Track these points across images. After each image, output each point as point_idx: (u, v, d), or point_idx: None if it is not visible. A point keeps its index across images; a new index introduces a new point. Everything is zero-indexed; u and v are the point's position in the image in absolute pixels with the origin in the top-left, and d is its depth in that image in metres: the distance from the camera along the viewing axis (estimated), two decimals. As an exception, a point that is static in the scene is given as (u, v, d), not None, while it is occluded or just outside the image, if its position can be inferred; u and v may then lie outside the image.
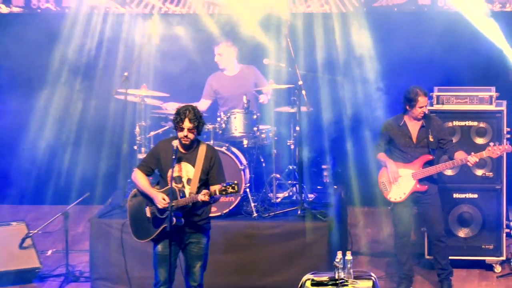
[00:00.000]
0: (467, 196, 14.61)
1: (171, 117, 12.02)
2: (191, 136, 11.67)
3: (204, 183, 11.81)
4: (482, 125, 14.60)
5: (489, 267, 14.54)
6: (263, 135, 14.67)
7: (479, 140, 14.53)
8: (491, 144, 13.63)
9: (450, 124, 14.54)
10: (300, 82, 14.40)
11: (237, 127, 14.52)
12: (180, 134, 11.67)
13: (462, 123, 14.59)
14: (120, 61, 16.62)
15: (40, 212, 16.05)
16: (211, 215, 12.31)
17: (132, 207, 12.10)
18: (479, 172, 14.37)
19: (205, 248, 12.04)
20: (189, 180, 11.78)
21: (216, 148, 13.68)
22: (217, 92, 15.27)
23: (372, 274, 11.80)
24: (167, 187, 11.77)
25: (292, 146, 14.73)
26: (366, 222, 16.26)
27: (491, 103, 14.66)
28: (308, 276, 11.71)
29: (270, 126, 14.81)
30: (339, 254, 11.61)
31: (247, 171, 14.30)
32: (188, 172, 11.81)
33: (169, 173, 11.77)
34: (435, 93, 14.75)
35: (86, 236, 14.59)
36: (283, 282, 13.66)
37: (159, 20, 16.04)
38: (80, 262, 14.67)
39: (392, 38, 16.36)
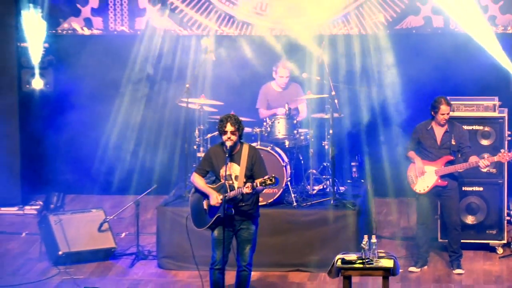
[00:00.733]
0: (474, 189, 14.61)
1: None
2: (233, 138, 11.84)
3: (250, 178, 11.95)
4: (486, 129, 14.63)
5: (493, 249, 14.56)
6: (302, 137, 14.72)
7: (484, 142, 14.57)
8: (502, 150, 13.72)
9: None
10: (333, 93, 14.47)
11: (280, 130, 14.60)
12: (224, 137, 11.87)
13: (470, 127, 14.53)
14: (182, 74, 16.71)
15: (115, 201, 16.12)
16: (260, 204, 12.47)
17: (192, 202, 12.31)
18: (484, 169, 14.40)
19: (254, 233, 12.17)
20: (236, 177, 11.95)
21: (262, 148, 13.97)
22: (268, 101, 15.35)
23: (393, 254, 11.93)
24: (220, 183, 12.01)
25: (326, 146, 14.76)
26: (388, 211, 16.28)
27: (494, 111, 14.68)
28: (340, 255, 11.83)
29: (307, 129, 14.83)
30: (366, 238, 11.75)
31: (288, 167, 14.32)
32: (235, 170, 11.98)
33: (222, 172, 12.00)
34: (448, 102, 14.89)
35: (154, 221, 14.65)
36: (319, 261, 13.72)
37: (215, 40, 16.16)
38: (148, 243, 14.73)
39: (411, 55, 16.43)
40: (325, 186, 14.82)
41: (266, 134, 14.60)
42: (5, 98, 16.87)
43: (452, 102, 14.58)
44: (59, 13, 17.13)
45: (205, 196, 12.12)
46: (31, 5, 16.78)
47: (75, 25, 17.17)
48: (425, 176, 13.76)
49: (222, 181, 11.99)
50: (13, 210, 16.85)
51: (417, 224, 14.11)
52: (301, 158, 14.80)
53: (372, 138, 16.54)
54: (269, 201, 14.13)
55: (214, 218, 12.04)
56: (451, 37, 16.46)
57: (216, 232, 12.12)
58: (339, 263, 11.76)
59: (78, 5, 17.11)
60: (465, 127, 14.39)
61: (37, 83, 16.90)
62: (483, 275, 13.84)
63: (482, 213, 14.66)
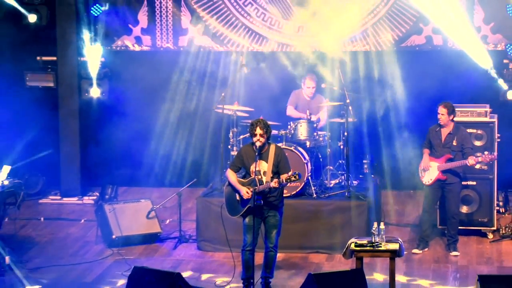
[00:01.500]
0: (468, 183, 14.54)
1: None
2: (262, 139, 11.91)
3: (276, 173, 12.00)
4: (479, 132, 14.60)
5: (484, 235, 14.52)
6: (320, 139, 14.69)
7: (477, 143, 14.51)
8: (486, 152, 13.72)
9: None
10: (348, 100, 14.48)
11: (302, 132, 14.57)
12: (255, 139, 11.95)
13: (465, 130, 14.60)
14: (218, 84, 16.72)
15: (160, 193, 16.13)
16: (284, 195, 12.54)
17: (226, 193, 12.40)
18: (477, 166, 14.35)
19: (279, 220, 12.23)
20: (264, 172, 12.02)
21: (287, 147, 13.99)
22: (297, 105, 15.28)
23: (399, 239, 11.96)
24: (250, 178, 12.06)
25: (342, 146, 14.73)
26: (395, 202, 16.16)
27: (486, 116, 14.66)
28: (353, 239, 11.90)
29: (326, 132, 14.80)
30: (375, 224, 11.80)
31: (309, 164, 14.31)
32: (263, 167, 12.03)
33: (252, 168, 12.03)
34: (446, 109, 14.84)
35: (194, 210, 14.61)
36: (335, 243, 13.71)
37: (247, 56, 16.16)
38: (189, 228, 14.72)
39: (414, 69, 16.37)
40: (340, 181, 14.80)
41: (290, 136, 14.58)
42: (68, 104, 16.94)
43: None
44: (113, 32, 17.16)
45: (237, 189, 12.20)
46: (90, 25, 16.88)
47: (127, 42, 17.21)
48: (430, 170, 13.80)
49: (252, 176, 12.05)
50: (73, 200, 16.90)
51: (422, 211, 14.14)
52: (320, 156, 14.77)
53: (381, 139, 16.47)
54: (293, 193, 14.12)
55: (246, 208, 12.11)
56: (449, 53, 16.38)
57: (247, 219, 12.18)
58: (352, 246, 11.81)
59: (130, 25, 17.14)
60: None
61: (95, 92, 16.93)
62: (476, 257, 13.80)
63: (475, 204, 14.63)
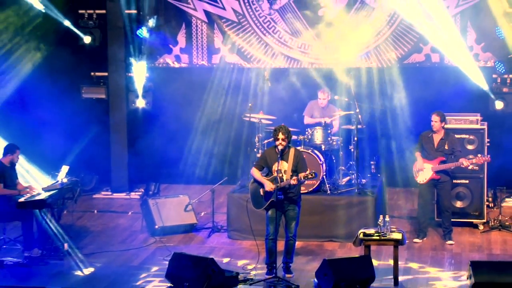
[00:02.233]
0: (461, 182, 14.52)
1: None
2: (284, 143, 11.96)
3: (295, 172, 12.01)
4: (471, 137, 14.56)
5: (475, 226, 14.47)
6: (334, 143, 14.66)
7: (470, 147, 14.49)
8: (479, 155, 13.83)
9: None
10: (357, 110, 14.44)
11: (318, 137, 14.55)
12: (277, 142, 12.00)
13: (459, 136, 14.45)
14: (246, 96, 16.70)
15: (196, 189, 16.10)
16: (301, 192, 12.54)
17: (251, 189, 12.40)
18: (470, 167, 14.29)
19: (298, 212, 12.22)
20: (285, 171, 12.03)
21: (305, 150, 14.00)
22: (312, 113, 15.24)
23: (402, 229, 11.98)
24: (272, 176, 12.09)
25: (352, 150, 14.68)
26: (398, 197, 16.18)
27: (477, 124, 14.62)
28: (362, 230, 11.93)
29: (338, 137, 14.77)
30: (381, 217, 11.83)
31: (324, 165, 14.28)
32: (284, 166, 12.05)
33: (274, 167, 12.06)
34: (443, 117, 14.84)
35: (225, 204, 14.62)
36: (346, 233, 13.70)
37: (270, 71, 16.15)
38: (221, 220, 14.68)
39: (415, 83, 16.35)
40: (351, 179, 14.73)
41: (307, 140, 14.55)
42: (117, 113, 17.00)
43: (447, 117, 14.59)
44: (156, 51, 17.21)
45: (261, 185, 12.18)
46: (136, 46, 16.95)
47: (168, 60, 17.26)
48: (424, 171, 13.77)
49: (274, 174, 12.09)
50: (122, 195, 16.95)
51: (418, 207, 14.12)
52: (333, 158, 14.76)
53: (386, 143, 16.44)
54: (310, 190, 14.09)
55: (269, 202, 12.11)
56: (445, 69, 16.37)
57: (270, 212, 12.18)
58: (361, 235, 11.84)
59: (171, 46, 17.19)
60: (456, 135, 14.32)
61: (140, 103, 16.98)
62: (468, 245, 13.75)
63: (467, 200, 14.58)
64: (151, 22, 16.92)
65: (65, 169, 13.90)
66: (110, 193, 17.07)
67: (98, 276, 12.49)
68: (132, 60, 16.90)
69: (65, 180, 13.74)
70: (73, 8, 16.73)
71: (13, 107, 16.39)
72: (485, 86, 15.78)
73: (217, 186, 14.92)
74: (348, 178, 14.78)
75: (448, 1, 16.22)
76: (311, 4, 16.62)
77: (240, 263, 13.00)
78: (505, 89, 15.89)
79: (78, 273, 12.56)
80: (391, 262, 12.02)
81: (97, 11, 16.75)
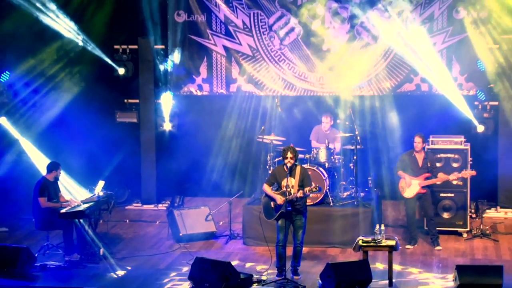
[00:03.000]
0: (447, 195, 14.47)
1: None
2: (292, 161, 11.97)
3: (301, 187, 12.01)
4: (456, 156, 14.50)
5: (460, 234, 14.39)
6: (336, 161, 14.59)
7: (455, 165, 14.43)
8: (464, 170, 13.90)
9: (439, 155, 14.43)
10: (356, 132, 14.43)
11: (322, 156, 14.48)
12: (286, 161, 12.03)
13: (445, 155, 14.48)
14: (259, 120, 16.65)
15: (216, 201, 16.05)
16: (307, 204, 12.53)
17: (263, 203, 12.40)
18: (455, 182, 14.28)
19: (304, 222, 12.21)
20: (293, 186, 12.04)
21: (310, 167, 14.01)
22: (317, 136, 15.15)
23: (395, 237, 11.91)
24: (282, 190, 12.06)
25: (352, 167, 14.61)
26: (392, 209, 16.05)
27: (461, 144, 14.60)
28: (360, 237, 11.91)
29: (340, 156, 14.71)
30: (377, 226, 11.82)
31: (327, 180, 14.23)
32: (291, 182, 12.04)
33: (283, 183, 12.02)
34: (431, 139, 14.68)
35: (240, 214, 14.58)
36: (347, 240, 13.61)
37: (280, 98, 16.13)
38: (237, 228, 14.61)
39: (407, 109, 16.26)
40: (351, 193, 14.66)
41: (313, 159, 14.50)
42: (147, 135, 17.01)
43: (433, 139, 14.76)
44: (181, 81, 17.21)
45: (272, 199, 12.15)
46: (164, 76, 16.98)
47: (192, 89, 17.25)
48: (411, 187, 13.74)
49: (283, 189, 12.07)
50: (151, 206, 16.92)
51: (407, 218, 14.11)
52: (335, 174, 14.69)
53: (381, 161, 16.36)
54: (315, 202, 14.05)
55: (279, 213, 12.07)
56: (434, 97, 16.27)
57: (279, 222, 12.17)
58: (360, 242, 11.82)
59: (194, 76, 17.17)
60: (442, 155, 14.49)
61: (167, 126, 16.98)
62: (454, 251, 13.68)
63: (453, 211, 14.51)
64: (177, 57, 16.93)
65: (101, 183, 13.89)
66: (140, 204, 17.01)
67: (129, 277, 12.48)
68: (160, 89, 16.90)
69: (101, 194, 13.73)
70: (109, 43, 16.78)
71: (57, 129, 16.40)
72: (468, 112, 15.72)
73: (234, 198, 14.90)
74: (348, 192, 14.70)
75: (435, 39, 16.17)
76: (316, 40, 16.59)
77: (254, 266, 12.95)
78: (485, 115, 15.88)
79: (112, 275, 12.56)
80: (386, 265, 11.97)
81: (130, 46, 16.81)
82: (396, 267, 12.57)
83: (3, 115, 15.76)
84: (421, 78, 16.35)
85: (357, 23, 16.33)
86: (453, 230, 14.46)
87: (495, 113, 15.89)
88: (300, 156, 13.45)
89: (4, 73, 15.81)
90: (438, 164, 14.06)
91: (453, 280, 11.65)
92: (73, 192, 15.11)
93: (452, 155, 14.51)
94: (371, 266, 11.73)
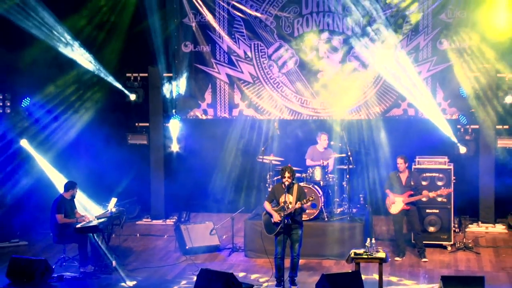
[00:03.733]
0: (433, 211, 14.44)
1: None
2: (289, 180, 11.96)
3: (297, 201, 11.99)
4: (440, 175, 14.48)
5: (444, 247, 14.36)
6: (330, 180, 14.58)
7: (439, 183, 14.39)
8: (442, 188, 13.95)
9: (424, 174, 14.42)
10: (349, 153, 14.42)
11: (317, 175, 14.46)
12: (284, 180, 12.03)
13: (430, 174, 14.47)
14: (259, 141, 16.63)
15: (219, 217, 16.01)
16: (304, 219, 12.53)
17: (264, 220, 12.38)
18: (439, 199, 14.25)
19: (301, 236, 12.19)
20: (290, 203, 12.01)
21: (306, 185, 13.98)
22: (312, 156, 15.09)
23: (385, 250, 11.92)
24: (280, 206, 12.04)
25: (345, 185, 14.60)
26: (381, 224, 15.99)
27: (445, 164, 14.60)
28: (353, 250, 11.84)
29: (334, 175, 14.69)
30: (368, 240, 11.73)
31: (322, 197, 14.19)
32: (289, 198, 12.02)
33: (281, 199, 12.01)
34: (417, 159, 14.69)
35: (242, 229, 14.54)
36: (340, 253, 13.57)
37: (278, 121, 16.14)
38: (239, 241, 14.57)
39: (395, 132, 16.27)
40: (344, 209, 14.63)
41: (309, 178, 14.48)
42: (156, 156, 16.99)
43: (419, 159, 14.75)
44: (188, 106, 17.21)
45: (271, 216, 12.16)
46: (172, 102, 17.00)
47: (197, 113, 17.25)
48: (396, 204, 13.75)
49: (282, 204, 12.04)
50: (159, 222, 16.87)
51: (395, 232, 14.10)
52: (329, 192, 14.69)
53: (372, 180, 16.35)
54: (311, 217, 14.03)
55: (279, 227, 12.05)
56: (420, 121, 16.24)
57: (278, 236, 12.13)
58: (352, 254, 11.74)
59: (199, 102, 17.18)
60: (428, 174, 14.49)
61: (175, 147, 16.98)
62: (439, 263, 13.65)
63: (438, 225, 14.48)
64: (183, 84, 16.96)
65: (113, 200, 13.89)
66: (150, 220, 16.95)
67: (139, 287, 12.40)
68: (168, 113, 16.93)
69: (113, 210, 13.72)
70: (121, 72, 16.80)
71: (73, 150, 16.43)
72: (451, 135, 15.72)
73: (236, 214, 14.87)
74: (342, 208, 14.68)
75: (421, 67, 16.18)
76: (311, 69, 16.62)
77: (255, 277, 12.92)
78: (467, 137, 15.87)
79: (124, 285, 12.52)
80: (377, 276, 11.90)
81: (141, 74, 16.82)
82: (386, 278, 12.48)
83: (24, 137, 15.76)
84: (408, 103, 16.34)
85: (349, 53, 16.37)
86: (438, 243, 14.42)
87: (476, 136, 15.88)
88: (297, 175, 13.47)
89: (25, 99, 15.83)
90: (424, 183, 14.06)
91: (438, 289, 11.59)
92: (88, 209, 15.08)
93: (437, 174, 14.48)
94: (367, 276, 11.70)
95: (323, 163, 14.58)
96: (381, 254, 11.68)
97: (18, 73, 15.61)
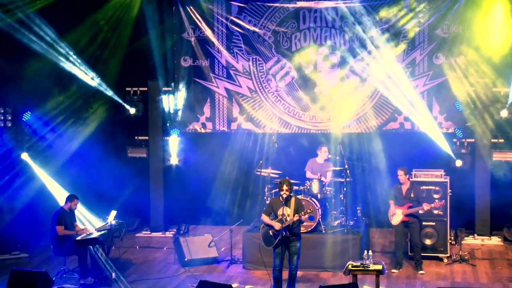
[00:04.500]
0: (430, 224, 14.48)
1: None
2: (287, 193, 12.00)
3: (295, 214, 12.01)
4: (437, 188, 14.56)
5: (441, 259, 14.40)
6: (328, 192, 14.63)
7: (436, 196, 14.49)
8: (436, 200, 14.06)
9: (421, 187, 14.46)
10: (346, 166, 14.48)
11: (315, 188, 14.52)
12: (282, 192, 12.07)
13: (427, 187, 14.54)
14: (258, 154, 16.67)
15: (218, 229, 16.07)
16: (302, 231, 12.57)
17: (262, 232, 12.43)
18: (435, 211, 14.30)
19: (299, 248, 12.23)
20: (288, 215, 12.06)
21: (304, 198, 14.03)
22: (312, 168, 15.13)
23: (382, 262, 11.89)
24: (278, 218, 12.08)
25: (342, 198, 14.63)
26: (378, 236, 16.07)
27: (441, 178, 14.66)
28: (350, 262, 11.85)
29: (331, 188, 14.74)
30: (365, 252, 11.77)
31: (320, 210, 14.25)
32: (287, 211, 12.08)
33: (279, 212, 12.06)
34: (414, 172, 14.74)
35: (240, 241, 14.59)
36: (337, 265, 13.61)
37: (276, 135, 16.22)
38: (237, 253, 14.60)
39: (392, 145, 16.30)
40: (341, 221, 14.66)
41: (307, 190, 14.55)
42: (155, 169, 17.00)
43: (416, 173, 14.78)
44: (187, 120, 17.26)
45: (270, 227, 12.17)
46: (171, 115, 17.06)
47: (196, 126, 17.30)
48: (396, 215, 13.82)
49: (280, 217, 12.09)
50: (158, 234, 16.88)
51: (395, 244, 14.11)
52: (327, 204, 14.71)
53: (369, 193, 16.39)
54: (308, 230, 14.06)
55: (277, 239, 12.07)
56: (416, 134, 16.33)
57: (276, 248, 12.15)
58: (350, 266, 11.77)
59: (198, 115, 17.24)
60: (424, 187, 14.51)
61: (174, 160, 16.99)
62: (435, 275, 13.68)
63: (434, 238, 14.53)
64: (183, 98, 17.03)
65: (113, 213, 13.93)
66: (149, 232, 16.98)
67: (139, 299, 12.47)
68: (167, 127, 16.98)
69: (113, 222, 13.76)
70: (121, 86, 16.87)
71: (73, 163, 16.46)
72: (447, 148, 15.80)
73: (234, 226, 14.89)
74: (339, 220, 14.71)
75: (417, 81, 16.28)
76: (309, 83, 16.71)
77: (253, 288, 12.96)
78: (463, 151, 15.93)
79: (123, 296, 12.55)
80: (374, 288, 11.94)
81: (140, 89, 16.88)
82: (383, 290, 12.58)
83: (25, 151, 15.82)
84: (404, 117, 16.42)
85: (346, 67, 16.47)
86: (434, 255, 14.47)
87: (472, 149, 15.96)
88: (295, 188, 13.54)
89: (26, 113, 15.90)
90: (411, 195, 13.96)
91: (435, 301, 11.63)
92: (88, 221, 15.14)
93: (433, 187, 14.56)
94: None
95: (320, 176, 14.63)
96: (378, 266, 11.71)
97: (19, 87, 15.68)
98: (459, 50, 15.95)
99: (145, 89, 16.86)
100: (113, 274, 13.13)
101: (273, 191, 14.55)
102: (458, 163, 15.75)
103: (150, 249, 15.75)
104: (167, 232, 16.87)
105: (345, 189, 14.48)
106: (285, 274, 12.31)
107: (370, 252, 11.81)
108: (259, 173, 14.88)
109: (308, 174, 15.12)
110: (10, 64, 15.51)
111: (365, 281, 12.87)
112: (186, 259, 14.25)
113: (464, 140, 15.98)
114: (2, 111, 15.68)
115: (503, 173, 15.72)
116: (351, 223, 14.71)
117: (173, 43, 16.96)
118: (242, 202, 17.14)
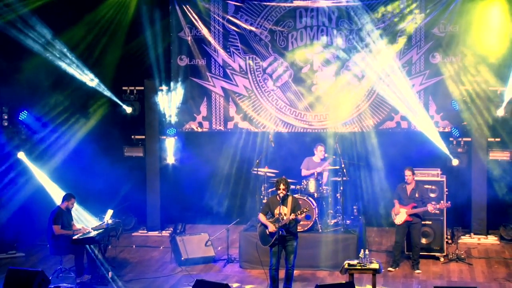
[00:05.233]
0: (426, 223, 14.44)
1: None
2: (284, 192, 11.97)
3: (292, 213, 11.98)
4: (433, 187, 14.54)
5: (437, 258, 14.38)
6: (324, 191, 14.62)
7: (432, 195, 14.45)
8: (442, 201, 13.99)
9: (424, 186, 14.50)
10: (343, 165, 14.48)
11: (312, 187, 14.50)
12: (279, 191, 12.03)
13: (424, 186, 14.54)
14: (254, 153, 16.61)
15: (214, 228, 16.00)
16: (298, 230, 12.51)
17: (259, 231, 12.41)
18: (433, 211, 14.27)
19: (295, 247, 12.20)
20: (285, 214, 12.04)
21: (301, 197, 14.01)
22: (308, 166, 15.09)
23: (379, 261, 11.88)
24: (275, 217, 12.04)
25: (339, 197, 14.64)
26: (375, 235, 16.07)
27: (438, 177, 14.64)
28: (347, 261, 11.86)
29: (328, 187, 14.74)
30: (362, 251, 11.76)
31: (316, 209, 14.23)
32: (284, 210, 12.05)
33: (276, 211, 12.03)
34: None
35: (237, 240, 14.52)
36: (334, 264, 13.59)
37: (273, 134, 16.20)
38: (234, 253, 14.57)
39: (388, 144, 16.30)
40: (338, 220, 14.64)
41: (303, 189, 14.53)
42: (152, 168, 16.96)
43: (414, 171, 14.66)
44: (183, 119, 17.25)
45: (267, 226, 12.18)
46: (167, 115, 17.03)
47: (193, 126, 17.29)
48: (400, 214, 13.80)
49: (276, 216, 12.07)
50: (155, 233, 16.85)
51: (395, 242, 14.09)
52: (324, 203, 14.69)
53: (365, 192, 16.40)
54: (305, 229, 14.03)
55: (274, 238, 12.06)
56: (412, 133, 16.32)
57: (273, 247, 12.13)
58: (346, 265, 11.77)
59: (195, 114, 17.23)
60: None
61: (170, 159, 17.00)
62: (432, 274, 13.67)
63: (431, 237, 14.51)
64: (179, 97, 17.01)
65: (110, 212, 13.90)
66: (145, 231, 16.95)
67: (135, 298, 12.44)
68: (164, 126, 16.96)
69: (110, 221, 13.74)
70: (118, 85, 16.85)
71: (70, 163, 16.42)
72: (444, 147, 15.79)
73: (231, 225, 14.86)
74: (336, 219, 14.69)
75: (414, 81, 16.28)
76: (305, 82, 16.70)
77: (249, 287, 12.88)
78: (459, 150, 15.94)
79: (120, 295, 12.53)
80: (370, 287, 11.92)
81: (137, 88, 16.85)
82: (380, 289, 12.57)
83: (22, 150, 15.78)
84: (401, 116, 16.42)
85: (343, 66, 16.46)
86: (431, 254, 14.45)
87: (468, 148, 15.95)
88: (292, 187, 13.50)
89: (22, 112, 15.86)
90: (416, 195, 14.00)
91: (431, 300, 11.61)
92: (85, 220, 15.10)
93: (429, 186, 14.53)
94: (360, 287, 11.73)
95: (316, 172, 14.61)
96: (375, 265, 11.71)
97: (15, 86, 15.64)
98: (456, 49, 15.97)
99: (142, 88, 16.83)
100: (110, 273, 13.13)
101: (270, 190, 14.52)
102: (455, 162, 15.74)
103: (147, 248, 15.72)
104: (163, 231, 16.84)
105: (341, 188, 14.47)
106: (281, 273, 12.30)
107: (367, 251, 11.81)
108: (255, 172, 14.87)
109: (304, 172, 15.10)
110: (6, 63, 15.47)
111: (362, 280, 12.87)
112: (182, 258, 14.23)
113: (460, 139, 15.98)
114: (-2, 110, 15.65)
115: (500, 172, 15.73)
116: (348, 222, 14.69)
117: (169, 42, 16.95)
118: (239, 201, 17.12)
